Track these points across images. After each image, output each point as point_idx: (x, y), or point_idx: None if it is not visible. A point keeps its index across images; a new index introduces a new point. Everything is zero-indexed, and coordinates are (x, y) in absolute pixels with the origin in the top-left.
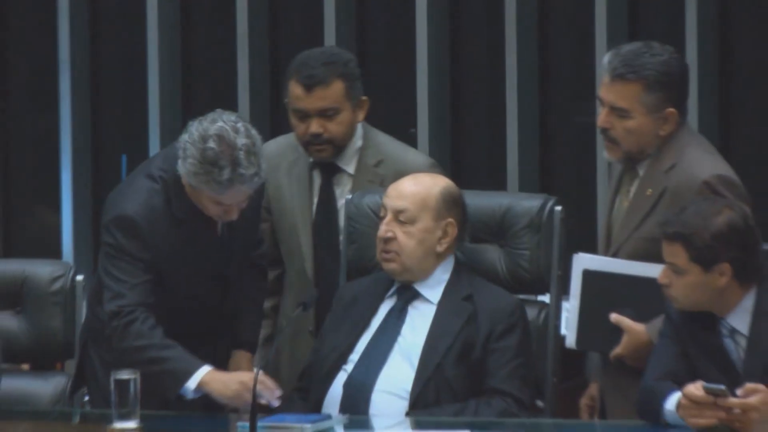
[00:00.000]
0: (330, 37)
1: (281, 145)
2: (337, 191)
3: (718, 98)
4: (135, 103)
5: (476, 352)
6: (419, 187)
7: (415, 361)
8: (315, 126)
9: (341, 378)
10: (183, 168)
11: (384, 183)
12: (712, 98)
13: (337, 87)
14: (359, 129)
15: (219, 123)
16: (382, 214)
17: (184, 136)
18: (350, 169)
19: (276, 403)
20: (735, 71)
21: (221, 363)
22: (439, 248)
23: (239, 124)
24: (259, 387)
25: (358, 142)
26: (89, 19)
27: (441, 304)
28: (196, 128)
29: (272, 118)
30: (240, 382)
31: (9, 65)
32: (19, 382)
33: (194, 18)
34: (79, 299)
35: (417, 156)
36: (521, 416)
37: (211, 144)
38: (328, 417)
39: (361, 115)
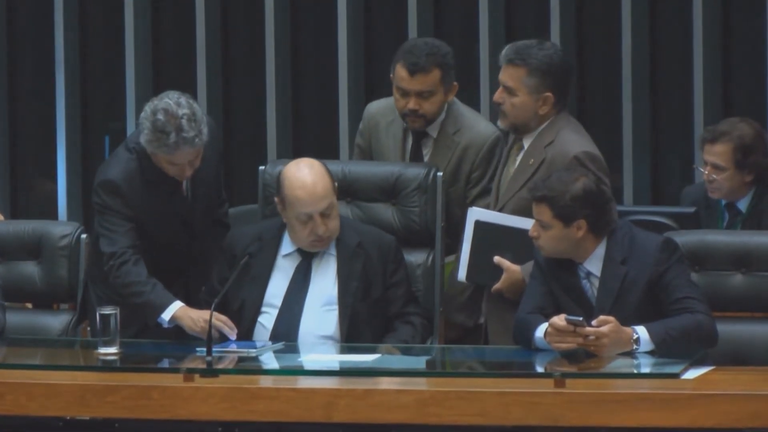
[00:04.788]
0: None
1: (381, 107)
2: (424, 151)
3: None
4: (115, 96)
5: (377, 289)
6: (320, 181)
7: (328, 306)
8: (413, 103)
9: (260, 329)
10: (142, 138)
11: (457, 149)
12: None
13: (435, 74)
14: None
15: (165, 99)
16: (302, 219)
17: (141, 114)
18: (433, 134)
19: (233, 336)
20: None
21: (194, 293)
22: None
23: (181, 99)
24: (219, 324)
25: (441, 114)
26: (79, 29)
27: (339, 255)
28: (148, 106)
29: (224, 97)
30: (205, 321)
31: (16, 66)
32: (33, 318)
33: (163, 28)
34: (82, 253)
35: (488, 126)
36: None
37: (159, 116)
38: (269, 343)
39: (450, 97)
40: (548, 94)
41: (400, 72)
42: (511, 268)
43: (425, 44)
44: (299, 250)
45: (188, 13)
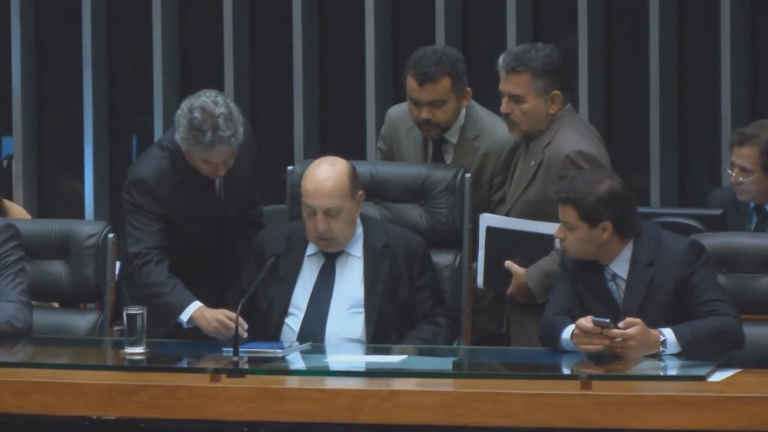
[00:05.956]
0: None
1: (401, 112)
2: (445, 157)
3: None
4: (142, 95)
5: (404, 291)
6: (333, 180)
7: (354, 309)
8: (425, 113)
9: (287, 331)
10: (177, 136)
11: (478, 154)
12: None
13: (445, 83)
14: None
15: (202, 98)
16: (308, 211)
17: (178, 112)
18: (453, 140)
19: (245, 335)
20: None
21: (228, 293)
22: (356, 215)
23: (218, 98)
24: (230, 323)
25: (460, 120)
26: (107, 27)
27: (366, 256)
28: (185, 103)
29: (251, 97)
30: (218, 320)
31: (43, 64)
32: (60, 317)
33: (190, 28)
34: (109, 252)
35: (507, 130)
36: (454, 327)
37: (196, 114)
38: (295, 344)
39: (464, 103)
40: (556, 92)
41: (410, 83)
42: (518, 272)
43: (434, 53)
44: (322, 251)
45: (216, 13)
